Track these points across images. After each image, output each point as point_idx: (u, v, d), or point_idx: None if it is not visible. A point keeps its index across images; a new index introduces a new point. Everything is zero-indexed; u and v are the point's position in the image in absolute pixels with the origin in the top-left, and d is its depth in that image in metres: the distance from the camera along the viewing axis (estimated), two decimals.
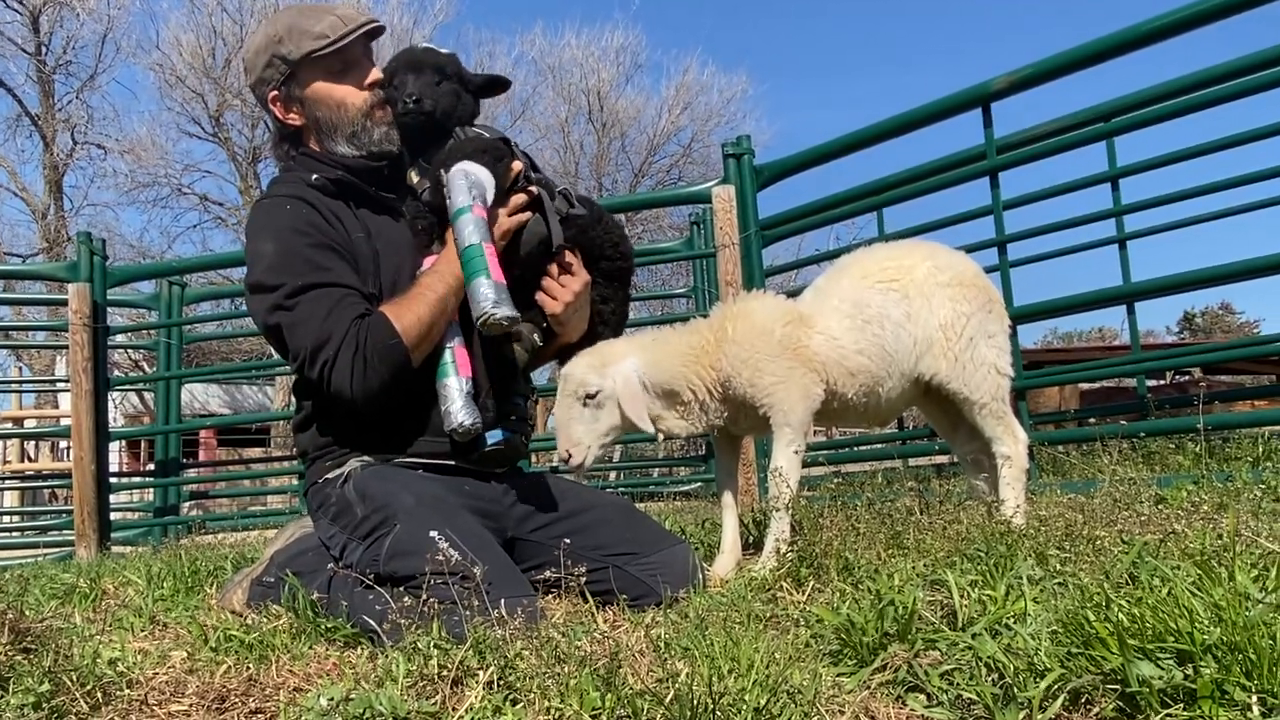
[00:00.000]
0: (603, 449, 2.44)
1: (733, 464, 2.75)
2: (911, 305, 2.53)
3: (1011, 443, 2.59)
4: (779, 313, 2.51)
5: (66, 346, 5.85)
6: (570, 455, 2.37)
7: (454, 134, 2.35)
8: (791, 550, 2.22)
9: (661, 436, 2.56)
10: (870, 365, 2.50)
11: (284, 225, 2.26)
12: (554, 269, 2.42)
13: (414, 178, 2.38)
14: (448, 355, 2.25)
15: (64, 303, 5.92)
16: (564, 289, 2.41)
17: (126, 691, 1.55)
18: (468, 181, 2.19)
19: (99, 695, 1.49)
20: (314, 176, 2.34)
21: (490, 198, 2.24)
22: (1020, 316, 4.64)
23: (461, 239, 2.15)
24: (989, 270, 5.72)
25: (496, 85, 2.48)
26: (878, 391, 2.55)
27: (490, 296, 2.07)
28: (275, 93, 2.41)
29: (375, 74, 2.40)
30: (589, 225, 2.50)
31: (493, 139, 2.36)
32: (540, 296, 2.40)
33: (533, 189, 2.38)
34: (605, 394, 2.37)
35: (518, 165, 2.36)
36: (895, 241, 3.01)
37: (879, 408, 2.63)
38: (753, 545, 2.76)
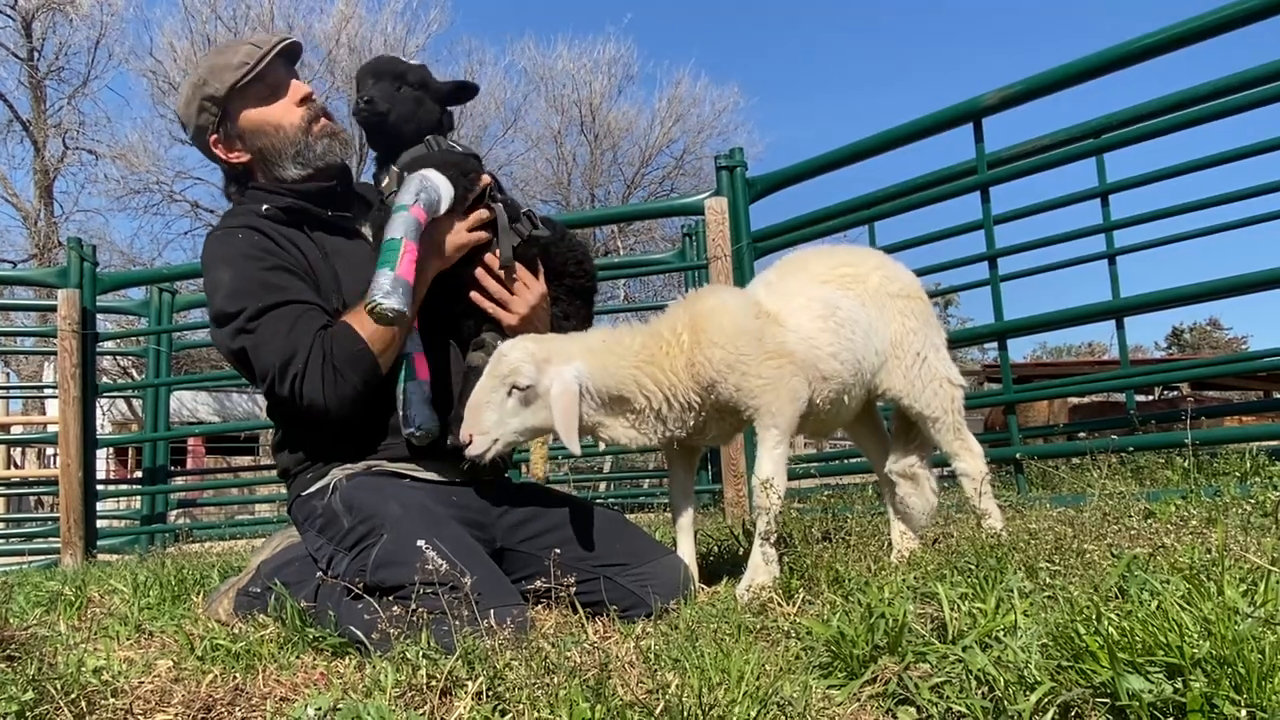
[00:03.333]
0: (508, 447, 2.20)
1: (688, 482, 2.56)
2: (868, 314, 2.48)
3: (970, 458, 2.56)
4: (747, 307, 2.37)
5: (55, 352, 5.82)
6: (470, 441, 2.13)
7: (427, 142, 2.38)
8: (781, 564, 2.21)
9: (602, 447, 2.37)
10: (842, 371, 2.39)
11: (237, 253, 2.27)
12: (507, 282, 2.41)
13: (384, 181, 2.39)
14: (406, 360, 2.29)
15: (53, 309, 5.88)
16: (518, 299, 2.40)
17: (111, 700, 1.53)
18: (419, 185, 2.22)
19: (83, 704, 1.48)
20: (264, 207, 2.36)
21: (444, 208, 2.26)
22: (1010, 331, 4.66)
23: (387, 230, 2.15)
24: (980, 284, 5.78)
25: (464, 91, 2.50)
26: (843, 400, 2.45)
27: (384, 287, 2.07)
28: (214, 136, 2.44)
29: (303, 88, 2.43)
30: (551, 243, 2.52)
31: (463, 154, 2.39)
32: (494, 309, 2.38)
33: (494, 206, 2.40)
34: (538, 391, 2.15)
35: (486, 179, 2.39)
36: (840, 246, 2.94)
37: (836, 418, 2.54)
38: (743, 558, 2.75)
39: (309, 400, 2.16)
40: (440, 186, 2.25)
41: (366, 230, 2.44)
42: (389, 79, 2.34)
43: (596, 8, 51.66)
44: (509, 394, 2.14)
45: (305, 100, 2.43)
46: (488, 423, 2.14)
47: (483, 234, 2.38)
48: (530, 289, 2.42)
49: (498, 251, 2.41)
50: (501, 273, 2.40)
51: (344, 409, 2.19)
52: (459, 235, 2.35)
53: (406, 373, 2.28)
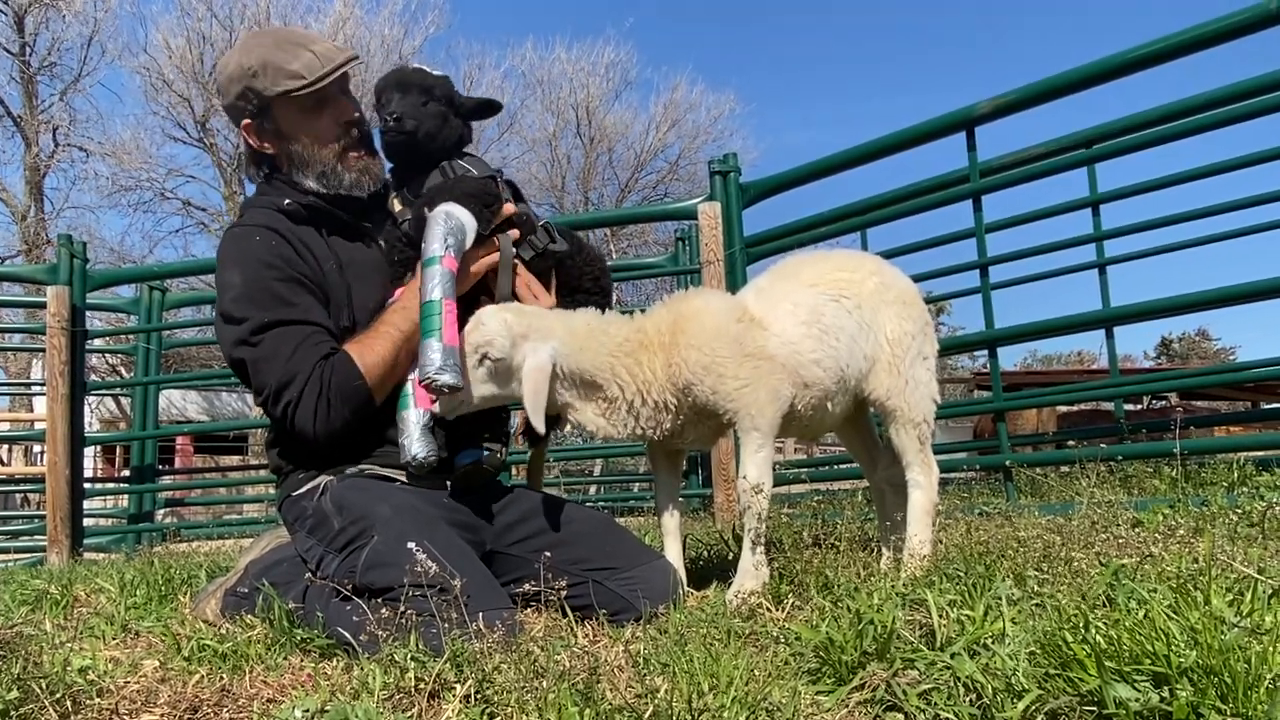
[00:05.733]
0: (474, 410, 2.23)
1: (673, 485, 2.55)
2: (859, 319, 2.47)
3: (926, 472, 2.53)
4: (730, 310, 2.36)
5: (44, 349, 5.79)
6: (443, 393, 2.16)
7: (442, 168, 2.33)
8: (770, 569, 2.21)
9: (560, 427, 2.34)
10: (825, 378, 2.38)
11: (253, 256, 2.24)
12: (522, 291, 2.39)
13: (397, 205, 2.37)
14: (408, 387, 2.24)
15: (42, 305, 5.85)
16: None
17: (97, 700, 1.52)
18: (446, 227, 2.16)
19: (68, 704, 1.47)
20: (286, 201, 2.33)
21: (469, 243, 2.23)
22: (1000, 338, 4.68)
23: (424, 291, 2.11)
24: (971, 292, 5.81)
25: (488, 109, 2.47)
26: (826, 405, 2.43)
27: (435, 361, 2.03)
28: (248, 121, 2.38)
29: (350, 112, 2.39)
30: (567, 256, 2.49)
31: (482, 179, 2.33)
32: None
33: (500, 238, 2.34)
34: (508, 366, 2.16)
35: (508, 208, 2.35)
36: (837, 250, 2.93)
37: (821, 424, 2.53)
38: (732, 563, 2.75)
39: (299, 428, 2.17)
40: (465, 223, 2.21)
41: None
42: (416, 92, 2.29)
43: (597, 11, 51.76)
44: (480, 362, 2.16)
45: (349, 125, 2.38)
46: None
47: (493, 259, 2.35)
48: (540, 302, 2.40)
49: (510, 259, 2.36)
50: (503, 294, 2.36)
51: (332, 439, 2.20)
52: (475, 265, 2.32)
53: (407, 400, 2.22)
